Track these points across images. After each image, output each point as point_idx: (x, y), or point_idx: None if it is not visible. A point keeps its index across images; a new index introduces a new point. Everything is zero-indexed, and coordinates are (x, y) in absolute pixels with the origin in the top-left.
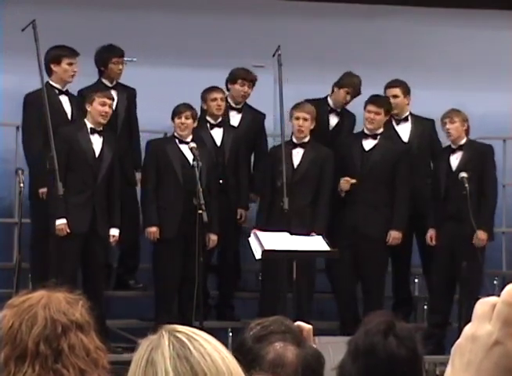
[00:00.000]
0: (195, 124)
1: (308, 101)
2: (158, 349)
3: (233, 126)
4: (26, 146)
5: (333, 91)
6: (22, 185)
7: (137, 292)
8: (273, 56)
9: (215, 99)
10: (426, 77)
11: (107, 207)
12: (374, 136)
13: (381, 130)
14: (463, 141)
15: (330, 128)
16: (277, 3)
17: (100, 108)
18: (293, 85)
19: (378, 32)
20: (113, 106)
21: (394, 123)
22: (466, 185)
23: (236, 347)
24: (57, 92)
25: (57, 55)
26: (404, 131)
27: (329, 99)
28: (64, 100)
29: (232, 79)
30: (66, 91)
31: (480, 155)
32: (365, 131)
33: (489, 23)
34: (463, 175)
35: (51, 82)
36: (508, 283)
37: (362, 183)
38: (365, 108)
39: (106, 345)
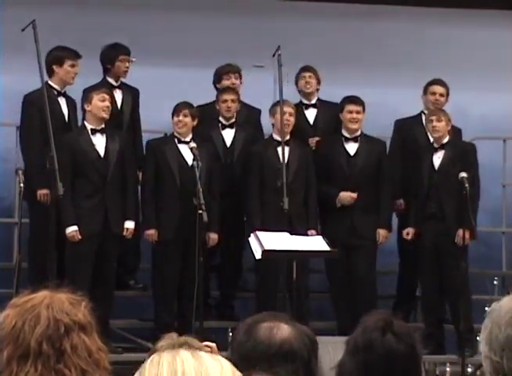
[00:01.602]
0: (194, 123)
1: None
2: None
3: (243, 126)
4: (26, 145)
5: (296, 84)
6: (22, 185)
7: (137, 292)
8: (273, 56)
9: (226, 101)
10: (426, 76)
11: (122, 202)
12: (354, 139)
13: (359, 132)
14: (446, 140)
15: (311, 124)
16: (277, 3)
17: (100, 104)
18: (293, 85)
19: (378, 32)
20: (118, 105)
21: (424, 119)
22: (467, 185)
23: (231, 346)
24: (56, 93)
25: (60, 56)
26: None
27: (302, 99)
28: (62, 102)
29: (217, 78)
30: (64, 93)
31: (463, 154)
32: (346, 133)
33: (489, 23)
34: (463, 175)
35: (50, 83)
36: (508, 283)
37: (351, 187)
38: (342, 110)
39: (108, 346)
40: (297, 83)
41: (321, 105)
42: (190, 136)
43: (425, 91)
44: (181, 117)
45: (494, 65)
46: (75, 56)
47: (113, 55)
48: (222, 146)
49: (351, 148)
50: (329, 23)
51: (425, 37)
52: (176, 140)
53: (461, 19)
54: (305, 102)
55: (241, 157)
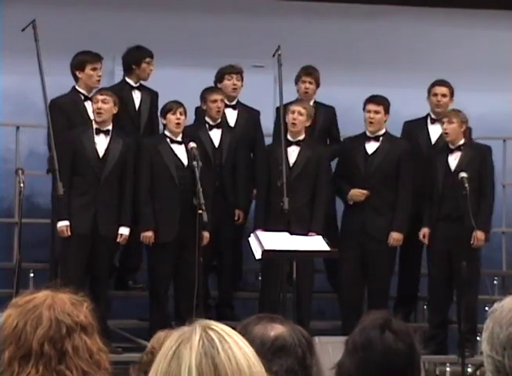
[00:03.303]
0: (186, 122)
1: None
2: (187, 343)
3: (231, 126)
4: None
5: (296, 83)
6: (22, 185)
7: (137, 292)
8: (273, 56)
9: (215, 101)
10: (426, 76)
11: (117, 206)
12: (376, 138)
13: (383, 131)
14: (462, 141)
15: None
16: (277, 3)
17: (93, 106)
18: (294, 85)
19: (378, 32)
20: (136, 106)
21: (429, 121)
22: (466, 185)
23: None
24: (83, 98)
25: (81, 61)
26: (435, 131)
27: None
28: (89, 106)
29: (219, 77)
30: (92, 97)
31: (478, 155)
32: (367, 133)
33: (489, 23)
34: (463, 175)
35: (77, 88)
36: (508, 283)
37: (366, 186)
38: (364, 109)
39: (108, 347)
40: (296, 82)
41: (318, 107)
42: (181, 136)
43: (428, 92)
44: (178, 115)
45: (494, 65)
46: (96, 58)
47: (139, 56)
48: (211, 146)
49: (371, 147)
50: (330, 23)
51: (425, 38)
52: (168, 140)
53: (461, 19)
54: None
55: (230, 157)
